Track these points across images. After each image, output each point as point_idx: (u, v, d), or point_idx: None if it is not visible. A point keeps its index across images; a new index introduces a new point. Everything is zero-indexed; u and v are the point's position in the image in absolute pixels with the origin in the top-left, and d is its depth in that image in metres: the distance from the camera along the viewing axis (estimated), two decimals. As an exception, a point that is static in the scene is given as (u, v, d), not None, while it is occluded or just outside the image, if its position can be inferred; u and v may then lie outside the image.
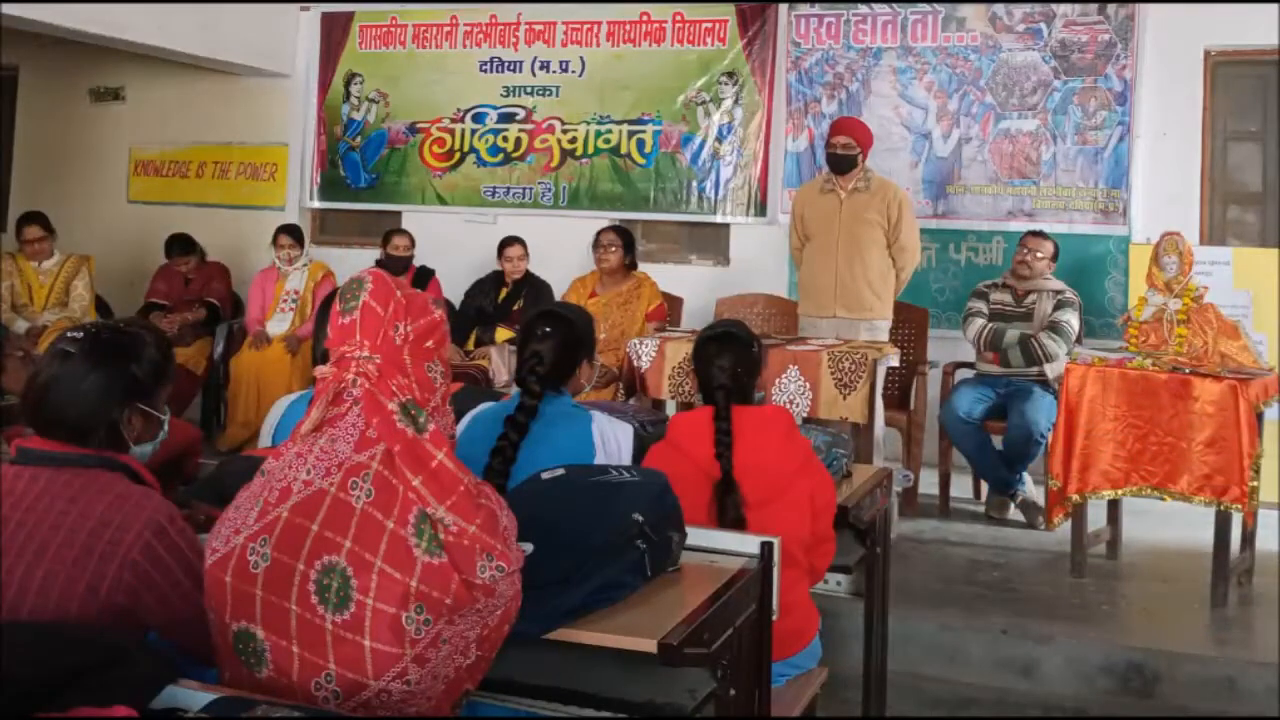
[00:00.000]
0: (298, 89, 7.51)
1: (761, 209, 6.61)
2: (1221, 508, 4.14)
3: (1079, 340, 5.33)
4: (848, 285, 5.19)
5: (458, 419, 2.53)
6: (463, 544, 1.60)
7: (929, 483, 5.52)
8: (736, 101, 6.64)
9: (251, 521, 1.65)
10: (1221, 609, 4.16)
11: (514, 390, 2.72)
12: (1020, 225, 5.96)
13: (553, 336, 2.71)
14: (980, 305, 5.40)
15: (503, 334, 6.04)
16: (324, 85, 7.46)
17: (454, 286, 6.44)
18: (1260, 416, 4.23)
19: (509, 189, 7.08)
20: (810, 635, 2.76)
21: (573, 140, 6.96)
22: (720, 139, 6.67)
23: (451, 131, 7.20)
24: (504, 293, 6.27)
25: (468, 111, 7.17)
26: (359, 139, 7.40)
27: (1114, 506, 4.71)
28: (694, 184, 6.72)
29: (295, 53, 7.49)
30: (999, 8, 6.16)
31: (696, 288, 6.48)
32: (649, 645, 1.82)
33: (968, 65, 6.22)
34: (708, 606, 1.96)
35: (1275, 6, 5.66)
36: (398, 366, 1.69)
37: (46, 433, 1.87)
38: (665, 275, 6.32)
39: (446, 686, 1.63)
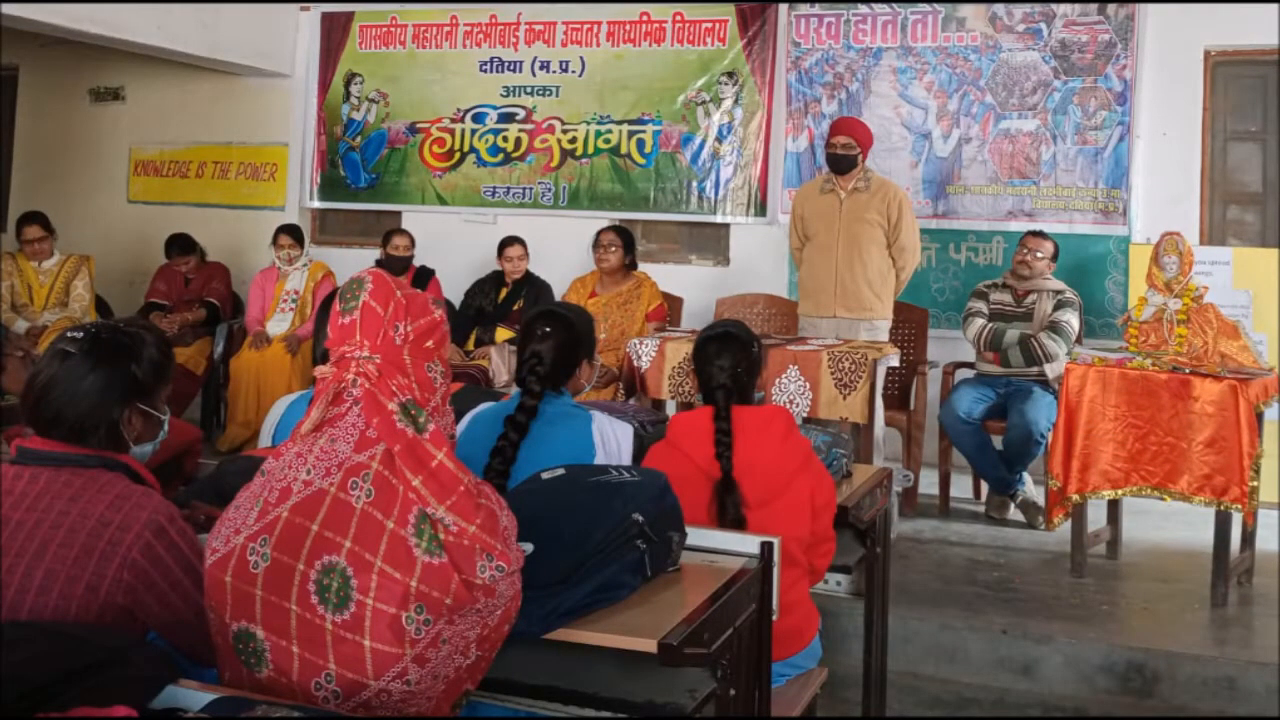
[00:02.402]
0: (298, 89, 7.51)
1: (761, 209, 6.61)
2: (1221, 508, 4.14)
3: (1079, 340, 5.33)
4: (847, 285, 5.18)
5: (458, 419, 2.53)
6: (463, 544, 1.60)
7: (929, 483, 5.52)
8: (736, 101, 6.64)
9: (251, 521, 1.65)
10: (1221, 609, 4.16)
11: (514, 390, 2.72)
12: (1020, 225, 5.96)
13: (553, 336, 2.71)
14: (980, 305, 5.40)
15: (503, 334, 6.04)
16: (324, 85, 7.46)
17: (454, 286, 6.44)
18: (1260, 416, 4.23)
19: (509, 189, 7.08)
20: (810, 635, 2.76)
21: (573, 140, 6.96)
22: (720, 139, 6.67)
23: (451, 131, 7.20)
24: (504, 293, 6.27)
25: (468, 111, 7.17)
26: (359, 139, 7.40)
27: (1114, 506, 4.71)
28: (694, 184, 6.72)
29: (295, 53, 7.49)
30: (999, 8, 6.16)
31: (696, 288, 6.49)
32: (649, 645, 1.82)
33: (968, 65, 6.22)
34: (708, 606, 1.95)
35: (1275, 6, 5.66)
36: (398, 366, 1.69)
37: (46, 433, 1.88)
38: (665, 275, 6.32)
39: (446, 686, 1.63)
